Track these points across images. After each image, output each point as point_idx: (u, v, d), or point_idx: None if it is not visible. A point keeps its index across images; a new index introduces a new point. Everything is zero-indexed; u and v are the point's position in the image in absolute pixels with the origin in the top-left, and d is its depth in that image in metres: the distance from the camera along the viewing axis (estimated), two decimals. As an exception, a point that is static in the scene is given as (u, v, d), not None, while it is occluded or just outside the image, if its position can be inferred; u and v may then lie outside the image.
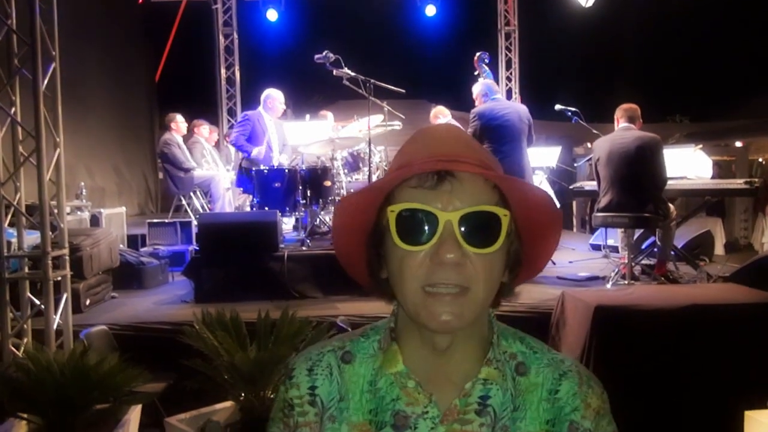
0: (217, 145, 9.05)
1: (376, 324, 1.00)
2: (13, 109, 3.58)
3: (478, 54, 6.31)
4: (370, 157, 5.87)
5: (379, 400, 0.91)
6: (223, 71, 10.50)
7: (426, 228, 0.84)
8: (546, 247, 0.98)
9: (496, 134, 5.37)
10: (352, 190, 5.67)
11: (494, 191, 0.87)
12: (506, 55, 10.74)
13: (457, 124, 7.01)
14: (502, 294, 0.93)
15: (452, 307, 0.83)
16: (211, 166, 7.98)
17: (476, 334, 0.92)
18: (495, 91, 5.69)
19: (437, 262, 0.83)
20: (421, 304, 0.84)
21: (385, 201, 0.89)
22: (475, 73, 6.30)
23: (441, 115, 7.39)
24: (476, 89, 5.77)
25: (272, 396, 2.79)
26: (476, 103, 5.68)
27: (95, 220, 6.34)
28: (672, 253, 5.40)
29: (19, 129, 3.60)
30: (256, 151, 6.40)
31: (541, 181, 7.34)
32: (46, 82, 3.53)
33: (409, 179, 0.87)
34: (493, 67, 8.12)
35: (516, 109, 5.57)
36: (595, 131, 5.97)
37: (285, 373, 0.99)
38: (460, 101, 7.27)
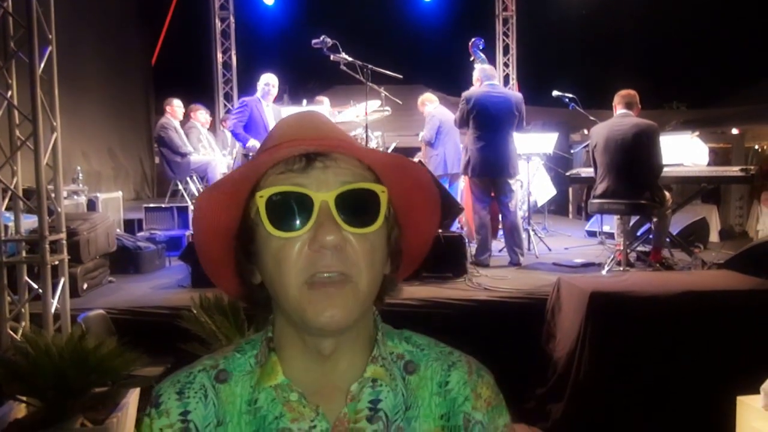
0: (213, 129, 9.01)
1: (252, 337, 0.91)
2: (9, 93, 3.56)
3: (472, 40, 6.30)
4: (367, 142, 5.86)
5: (260, 420, 0.82)
6: (219, 55, 10.43)
7: (300, 211, 0.78)
8: (426, 229, 0.94)
9: (481, 122, 5.38)
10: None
11: (369, 172, 0.82)
12: (504, 40, 10.68)
13: (445, 110, 7.05)
14: (386, 288, 0.87)
15: (337, 300, 0.76)
16: (208, 151, 7.94)
17: (362, 334, 0.86)
18: (490, 77, 5.67)
19: (316, 248, 0.76)
20: (305, 300, 0.77)
21: (251, 193, 0.82)
22: (471, 59, 6.29)
23: (428, 101, 7.37)
24: (474, 74, 5.77)
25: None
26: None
27: (92, 205, 6.34)
28: (667, 240, 5.44)
29: (16, 113, 3.58)
30: (252, 144, 6.38)
31: (537, 168, 7.35)
32: (42, 65, 3.49)
33: (275, 167, 0.80)
34: (491, 52, 8.11)
35: (508, 97, 5.55)
36: (592, 118, 5.97)
37: (149, 401, 0.86)
38: (457, 86, 7.25)
